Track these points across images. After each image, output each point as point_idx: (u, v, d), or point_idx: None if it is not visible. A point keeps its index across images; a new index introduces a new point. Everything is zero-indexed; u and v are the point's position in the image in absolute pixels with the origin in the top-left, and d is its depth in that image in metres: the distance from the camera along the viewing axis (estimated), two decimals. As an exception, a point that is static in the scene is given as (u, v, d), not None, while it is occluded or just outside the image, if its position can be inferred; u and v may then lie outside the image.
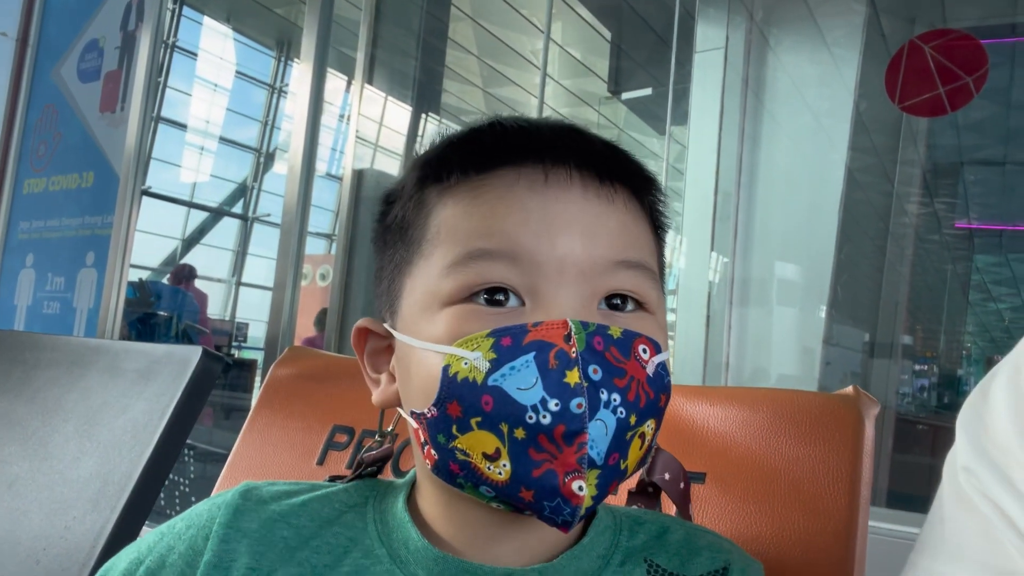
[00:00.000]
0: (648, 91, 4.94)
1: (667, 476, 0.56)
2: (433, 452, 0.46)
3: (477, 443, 0.43)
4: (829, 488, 0.59)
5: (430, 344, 0.46)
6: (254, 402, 0.91)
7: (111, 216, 3.02)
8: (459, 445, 0.44)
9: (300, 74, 2.82)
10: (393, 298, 0.51)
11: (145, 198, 3.32)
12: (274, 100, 8.69)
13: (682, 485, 0.57)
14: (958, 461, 0.46)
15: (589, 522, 0.51)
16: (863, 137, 3.06)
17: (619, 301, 0.47)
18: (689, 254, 3.11)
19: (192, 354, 1.04)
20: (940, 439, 3.13)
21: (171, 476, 3.14)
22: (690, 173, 3.17)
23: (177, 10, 7.09)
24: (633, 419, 0.43)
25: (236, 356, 5.94)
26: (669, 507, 0.58)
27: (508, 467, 0.43)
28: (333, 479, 0.56)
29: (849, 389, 0.64)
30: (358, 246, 3.28)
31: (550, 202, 0.46)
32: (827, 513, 0.59)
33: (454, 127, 0.54)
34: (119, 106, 3.10)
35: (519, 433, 0.42)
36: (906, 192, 3.43)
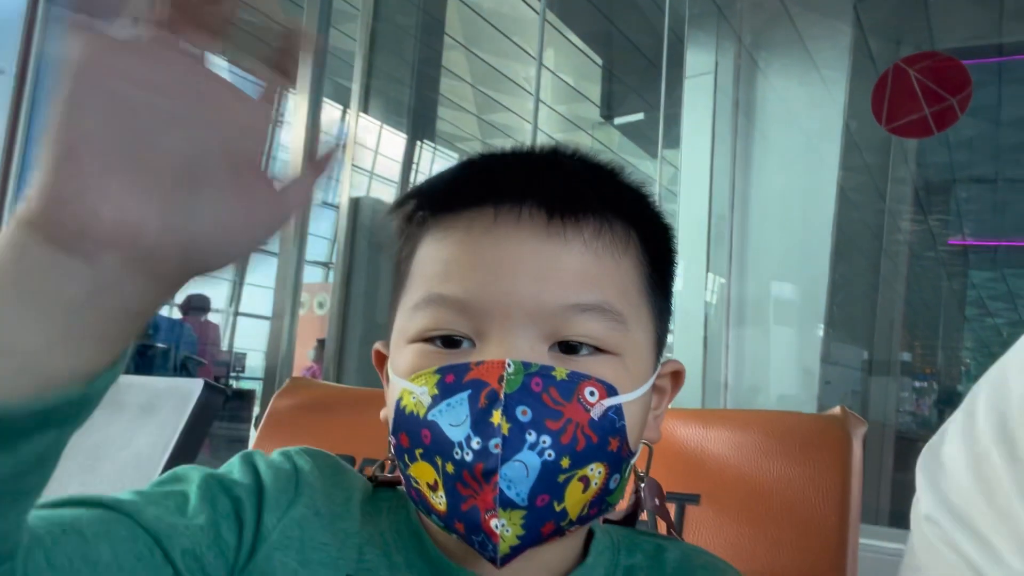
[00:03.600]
0: (640, 115, 5.00)
1: (657, 502, 0.57)
2: (401, 477, 0.49)
3: (421, 473, 0.46)
4: (820, 507, 0.60)
5: (393, 376, 0.50)
6: (255, 433, 0.93)
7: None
8: (411, 473, 0.47)
9: (296, 104, 2.85)
10: (390, 327, 0.53)
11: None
12: (270, 130, 8.74)
13: (657, 501, 0.58)
14: (921, 510, 0.47)
15: (590, 542, 0.52)
16: (854, 156, 3.09)
17: (576, 344, 0.47)
18: (685, 275, 3.12)
19: (194, 387, 1.05)
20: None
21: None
22: (684, 195, 3.20)
23: (174, 44, 7.15)
24: (566, 462, 0.43)
25: (235, 386, 5.93)
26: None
27: (444, 499, 0.45)
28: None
29: (837, 409, 0.65)
30: (355, 274, 3.29)
31: (500, 245, 0.47)
32: (819, 531, 0.60)
33: (448, 154, 0.56)
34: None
35: (449, 468, 0.44)
36: (899, 209, 3.46)
